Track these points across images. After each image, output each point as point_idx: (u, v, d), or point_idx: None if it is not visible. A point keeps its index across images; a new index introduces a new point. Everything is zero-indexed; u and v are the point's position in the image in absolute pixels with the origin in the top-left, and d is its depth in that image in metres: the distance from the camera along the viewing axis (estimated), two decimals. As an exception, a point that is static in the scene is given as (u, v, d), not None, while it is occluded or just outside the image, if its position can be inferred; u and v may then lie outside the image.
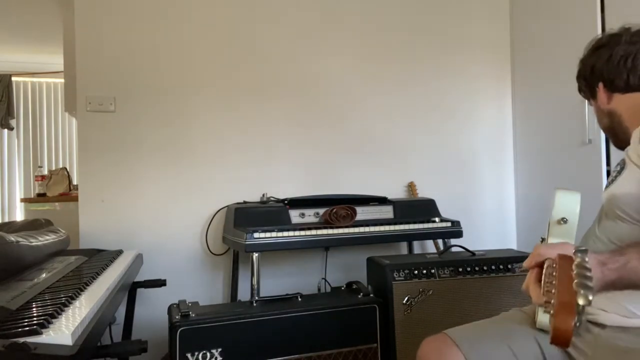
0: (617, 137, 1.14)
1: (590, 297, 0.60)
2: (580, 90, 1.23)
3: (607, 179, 1.09)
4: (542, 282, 0.74)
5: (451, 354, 1.08)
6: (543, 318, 1.07)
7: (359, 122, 2.68)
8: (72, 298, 1.19)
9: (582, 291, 0.61)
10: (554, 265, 0.71)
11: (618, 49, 1.10)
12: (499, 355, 1.06)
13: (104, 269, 1.65)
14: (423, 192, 2.67)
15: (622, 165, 1.04)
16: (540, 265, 0.78)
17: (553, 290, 0.66)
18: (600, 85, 1.14)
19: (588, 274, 0.64)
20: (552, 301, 0.64)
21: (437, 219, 2.34)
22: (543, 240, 1.08)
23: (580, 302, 0.60)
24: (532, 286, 0.78)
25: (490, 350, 1.07)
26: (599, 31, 2.24)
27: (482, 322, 1.20)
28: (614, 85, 1.12)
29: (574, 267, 0.66)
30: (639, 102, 1.09)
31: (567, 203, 1.00)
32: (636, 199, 0.96)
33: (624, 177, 1.00)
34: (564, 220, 0.98)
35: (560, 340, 0.61)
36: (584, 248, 0.72)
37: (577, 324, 0.60)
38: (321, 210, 2.23)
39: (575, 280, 0.63)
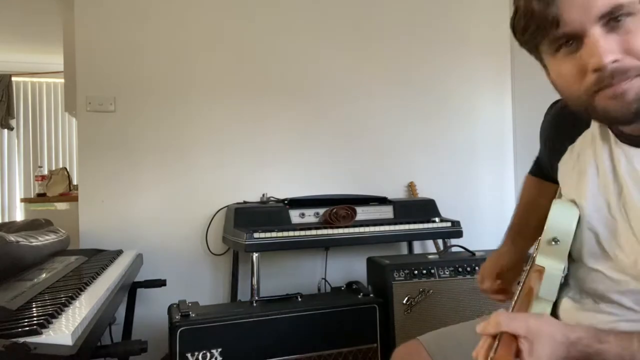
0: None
1: None
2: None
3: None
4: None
5: None
6: None
7: (359, 122, 2.68)
8: (72, 298, 1.19)
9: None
10: (494, 352, 0.67)
11: None
12: None
13: (104, 269, 1.65)
14: (423, 192, 2.67)
15: None
16: (495, 336, 0.69)
17: None
18: None
19: None
20: None
21: (437, 219, 2.34)
22: (528, 257, 1.00)
23: None
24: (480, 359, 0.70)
25: (463, 358, 0.99)
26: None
27: (457, 326, 1.12)
28: None
29: None
30: None
31: (562, 220, 0.85)
32: None
33: None
34: (555, 241, 0.85)
35: None
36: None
37: None
38: (321, 210, 2.23)
39: None
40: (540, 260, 0.88)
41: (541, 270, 0.87)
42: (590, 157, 0.83)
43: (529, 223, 1.12)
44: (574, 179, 0.86)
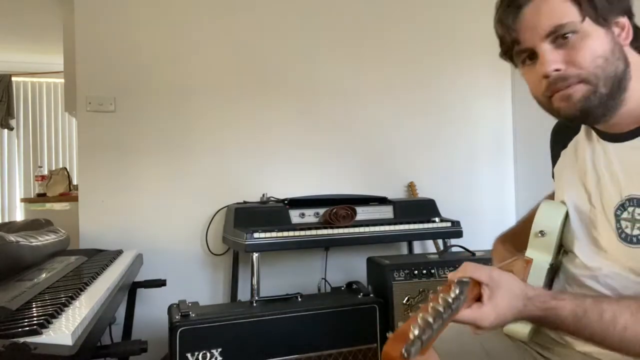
0: (613, 97, 0.81)
1: (416, 332, 0.58)
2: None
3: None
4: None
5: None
6: (510, 325, 1.06)
7: (359, 122, 2.68)
8: (72, 298, 1.19)
9: (417, 330, 0.59)
10: (439, 289, 0.71)
11: None
12: (472, 352, 1.03)
13: (104, 269, 1.65)
14: (423, 192, 2.67)
15: None
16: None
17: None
18: (626, 20, 0.83)
19: (440, 309, 0.63)
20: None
21: (437, 219, 2.34)
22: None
23: (410, 335, 0.59)
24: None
25: (462, 347, 1.03)
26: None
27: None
28: (636, 33, 0.85)
29: (439, 297, 0.66)
30: None
31: (549, 216, 0.95)
32: None
33: None
34: (541, 233, 0.94)
35: None
36: (466, 279, 0.71)
37: (405, 355, 0.57)
38: (321, 210, 2.23)
39: (421, 314, 0.61)
40: (529, 253, 0.97)
41: (529, 261, 0.95)
42: (574, 156, 0.95)
43: (524, 231, 1.15)
44: (562, 178, 0.97)
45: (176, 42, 2.42)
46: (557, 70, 0.81)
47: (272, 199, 2.39)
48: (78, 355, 0.87)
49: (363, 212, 2.28)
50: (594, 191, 0.89)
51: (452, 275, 0.80)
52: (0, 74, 4.99)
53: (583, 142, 0.94)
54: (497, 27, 0.88)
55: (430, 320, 0.61)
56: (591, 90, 0.80)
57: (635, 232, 0.81)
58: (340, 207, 2.20)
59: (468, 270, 0.77)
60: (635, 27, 0.85)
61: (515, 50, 0.86)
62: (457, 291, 0.68)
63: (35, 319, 0.97)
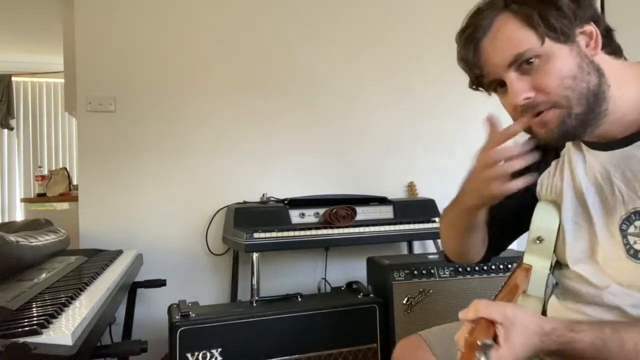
0: (593, 113, 0.77)
1: None
2: (546, 15, 0.76)
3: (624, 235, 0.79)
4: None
5: (424, 357, 1.04)
6: None
7: (359, 122, 2.68)
8: (72, 298, 1.19)
9: None
10: (462, 351, 0.70)
11: None
12: None
13: (104, 269, 1.66)
14: (423, 192, 2.67)
15: None
16: (474, 322, 0.73)
17: None
18: (592, 27, 0.78)
19: None
20: None
21: (437, 219, 2.34)
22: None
23: None
24: (461, 343, 0.73)
25: None
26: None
27: (456, 323, 1.09)
28: (607, 37, 0.80)
29: None
30: (631, 76, 0.81)
31: (544, 220, 0.91)
32: None
33: None
34: (539, 240, 0.91)
35: None
36: (489, 343, 0.67)
37: None
38: (321, 210, 2.23)
39: None
40: (527, 259, 0.93)
41: (528, 269, 0.92)
42: (567, 166, 0.90)
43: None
44: (554, 185, 0.92)
45: (176, 42, 2.42)
46: (527, 98, 0.78)
47: (272, 199, 2.38)
48: (78, 355, 0.87)
49: (363, 212, 2.28)
50: (591, 204, 0.84)
51: (463, 315, 0.76)
52: (0, 74, 4.99)
53: (572, 152, 0.89)
54: (460, 64, 0.88)
55: None
56: (565, 114, 0.77)
57: None
58: (340, 207, 2.20)
59: (480, 309, 0.73)
60: (605, 29, 0.80)
61: (484, 82, 0.86)
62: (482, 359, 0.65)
63: (35, 319, 0.97)
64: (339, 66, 2.65)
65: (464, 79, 1.00)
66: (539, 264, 0.92)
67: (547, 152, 0.94)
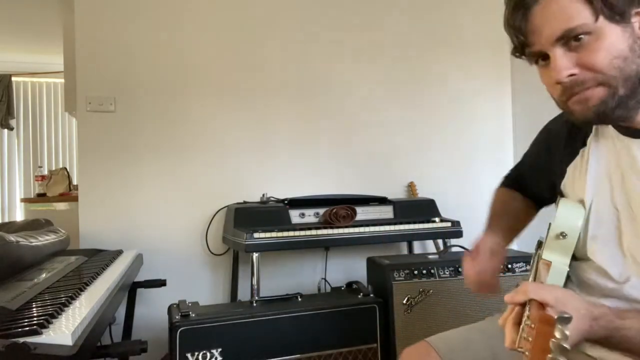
0: (635, 96, 0.77)
1: None
2: None
3: None
4: (521, 329, 0.69)
5: None
6: None
7: (359, 122, 2.67)
8: (72, 298, 1.19)
9: None
10: (532, 326, 0.67)
11: None
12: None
13: (104, 269, 1.66)
14: (423, 192, 2.67)
15: None
16: (522, 304, 0.71)
17: (526, 352, 0.64)
18: None
19: (562, 358, 0.59)
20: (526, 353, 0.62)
21: (437, 219, 2.34)
22: (540, 244, 1.00)
23: None
24: (509, 326, 0.72)
25: (473, 355, 0.99)
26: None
27: (466, 328, 1.11)
28: None
29: (551, 343, 0.61)
30: None
31: (569, 217, 0.89)
32: None
33: None
34: (562, 235, 0.89)
35: None
36: (567, 316, 0.63)
37: None
38: (321, 210, 2.23)
39: (549, 356, 0.59)
40: (547, 255, 0.91)
41: (548, 264, 0.90)
42: (593, 155, 0.88)
43: (503, 219, 1.14)
44: (581, 179, 0.89)
45: (176, 42, 2.42)
46: (571, 75, 0.76)
47: (272, 199, 2.38)
48: (78, 355, 0.87)
49: (363, 212, 2.28)
50: (618, 193, 0.83)
51: (510, 298, 0.73)
52: (0, 74, 4.99)
53: (601, 139, 0.88)
54: (505, 28, 0.82)
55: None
56: (609, 93, 0.76)
57: None
58: (340, 207, 2.20)
59: (530, 291, 0.70)
60: None
61: (526, 52, 0.82)
62: (566, 331, 0.60)
63: (35, 319, 0.97)
64: (339, 67, 2.65)
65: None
66: (558, 261, 0.90)
67: (574, 139, 0.93)
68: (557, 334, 0.60)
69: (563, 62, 0.76)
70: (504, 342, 0.91)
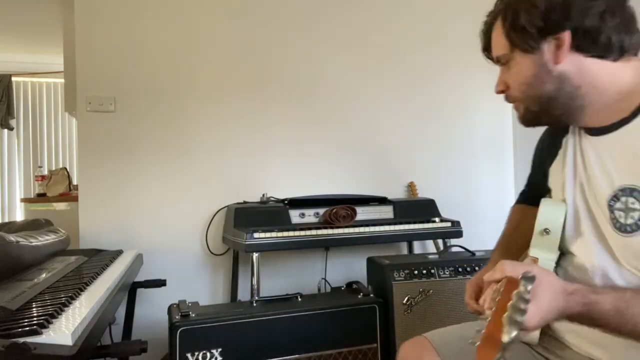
0: (550, 112, 0.90)
1: (514, 334, 0.60)
2: (515, 29, 0.88)
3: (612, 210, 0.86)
4: (492, 298, 0.73)
5: (429, 358, 1.04)
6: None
7: (359, 122, 2.68)
8: (72, 298, 1.19)
9: (507, 327, 0.60)
10: (501, 290, 0.70)
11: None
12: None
13: (104, 269, 1.65)
14: (423, 192, 2.67)
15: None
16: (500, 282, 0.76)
17: (493, 308, 0.66)
18: (567, 33, 0.83)
19: (522, 306, 0.63)
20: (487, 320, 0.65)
21: (437, 219, 2.34)
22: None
23: (504, 339, 0.60)
24: (487, 300, 0.76)
25: (469, 356, 1.04)
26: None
27: (463, 325, 1.17)
28: (587, 41, 0.83)
29: (512, 295, 0.65)
30: (612, 74, 0.86)
31: (550, 214, 0.95)
32: None
33: None
34: (546, 231, 0.95)
35: None
36: (531, 275, 0.68)
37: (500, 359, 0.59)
38: (321, 210, 2.23)
39: (506, 313, 0.62)
40: (533, 252, 0.96)
41: (535, 260, 0.95)
42: (569, 153, 0.97)
43: (516, 241, 1.19)
44: (561, 178, 0.98)
45: (176, 42, 2.42)
46: (501, 91, 0.96)
47: (272, 199, 2.38)
48: (78, 355, 0.87)
49: (363, 212, 2.28)
50: (587, 187, 0.91)
51: (489, 276, 0.78)
52: (0, 74, 4.99)
53: (572, 140, 0.97)
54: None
55: (518, 319, 0.62)
56: (524, 108, 0.93)
57: (629, 220, 0.82)
58: (340, 207, 2.20)
59: (507, 269, 0.75)
60: (584, 32, 0.83)
61: (487, 55, 1.01)
62: (529, 287, 0.66)
63: (35, 319, 0.97)
64: (339, 67, 2.65)
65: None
66: (544, 256, 0.95)
67: (554, 143, 1.04)
68: (521, 287, 0.65)
69: (499, 79, 0.96)
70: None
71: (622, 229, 0.83)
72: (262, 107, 2.53)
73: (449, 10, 2.85)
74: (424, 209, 2.41)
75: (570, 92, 0.87)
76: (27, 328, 0.90)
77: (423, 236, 2.40)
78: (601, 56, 0.85)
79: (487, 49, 0.99)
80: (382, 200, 2.37)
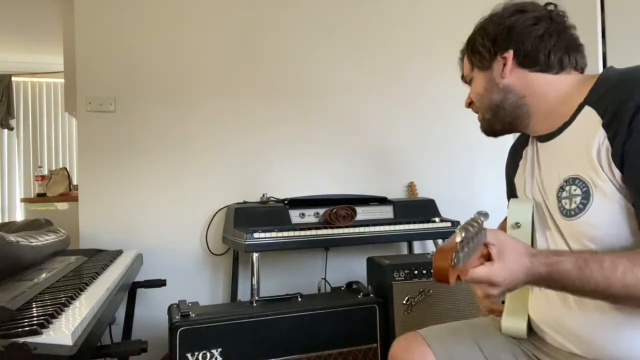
0: (500, 119, 1.05)
1: (464, 234, 0.68)
2: (473, 52, 1.08)
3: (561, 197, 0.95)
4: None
5: (421, 352, 1.08)
6: (507, 323, 1.08)
7: (359, 122, 2.68)
8: (72, 298, 1.19)
9: (459, 232, 0.69)
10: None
11: (544, 22, 0.99)
12: (470, 356, 1.06)
13: (104, 269, 1.66)
14: (423, 192, 2.67)
15: (583, 187, 0.90)
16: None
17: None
18: (510, 53, 1.00)
19: (474, 224, 0.72)
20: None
21: (437, 219, 2.34)
22: None
23: (457, 238, 0.68)
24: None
25: (461, 352, 1.07)
26: (599, 31, 2.24)
27: (456, 323, 1.20)
28: (529, 59, 1.00)
29: (467, 221, 0.73)
30: (553, 85, 0.99)
31: (519, 210, 1.06)
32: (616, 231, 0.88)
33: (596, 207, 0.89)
34: (517, 225, 1.05)
35: (438, 277, 0.67)
36: (485, 212, 0.80)
37: (455, 261, 0.66)
38: (321, 210, 2.23)
39: (457, 230, 0.70)
40: None
41: None
42: (528, 160, 1.10)
43: None
44: (524, 182, 1.10)
45: (176, 43, 2.42)
46: (469, 104, 1.13)
47: (272, 199, 2.39)
48: (78, 355, 0.87)
49: (363, 212, 2.28)
50: (541, 185, 1.03)
51: (453, 238, 0.85)
52: (0, 74, 4.99)
53: (529, 148, 1.11)
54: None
55: (470, 229, 0.70)
56: (482, 117, 1.10)
57: (572, 205, 0.92)
58: (340, 207, 2.20)
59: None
60: (525, 52, 1.00)
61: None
62: (482, 219, 0.75)
63: (35, 319, 0.97)
64: (340, 67, 2.65)
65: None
66: None
67: (515, 156, 1.19)
68: (475, 215, 0.74)
69: (467, 95, 1.13)
70: (487, 331, 1.12)
71: (567, 214, 0.93)
72: (262, 107, 2.53)
73: (449, 10, 2.85)
74: (424, 209, 2.41)
75: (515, 101, 1.02)
76: (27, 328, 0.91)
77: (423, 236, 2.40)
78: (543, 70, 0.99)
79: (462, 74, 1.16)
80: (382, 200, 2.37)
